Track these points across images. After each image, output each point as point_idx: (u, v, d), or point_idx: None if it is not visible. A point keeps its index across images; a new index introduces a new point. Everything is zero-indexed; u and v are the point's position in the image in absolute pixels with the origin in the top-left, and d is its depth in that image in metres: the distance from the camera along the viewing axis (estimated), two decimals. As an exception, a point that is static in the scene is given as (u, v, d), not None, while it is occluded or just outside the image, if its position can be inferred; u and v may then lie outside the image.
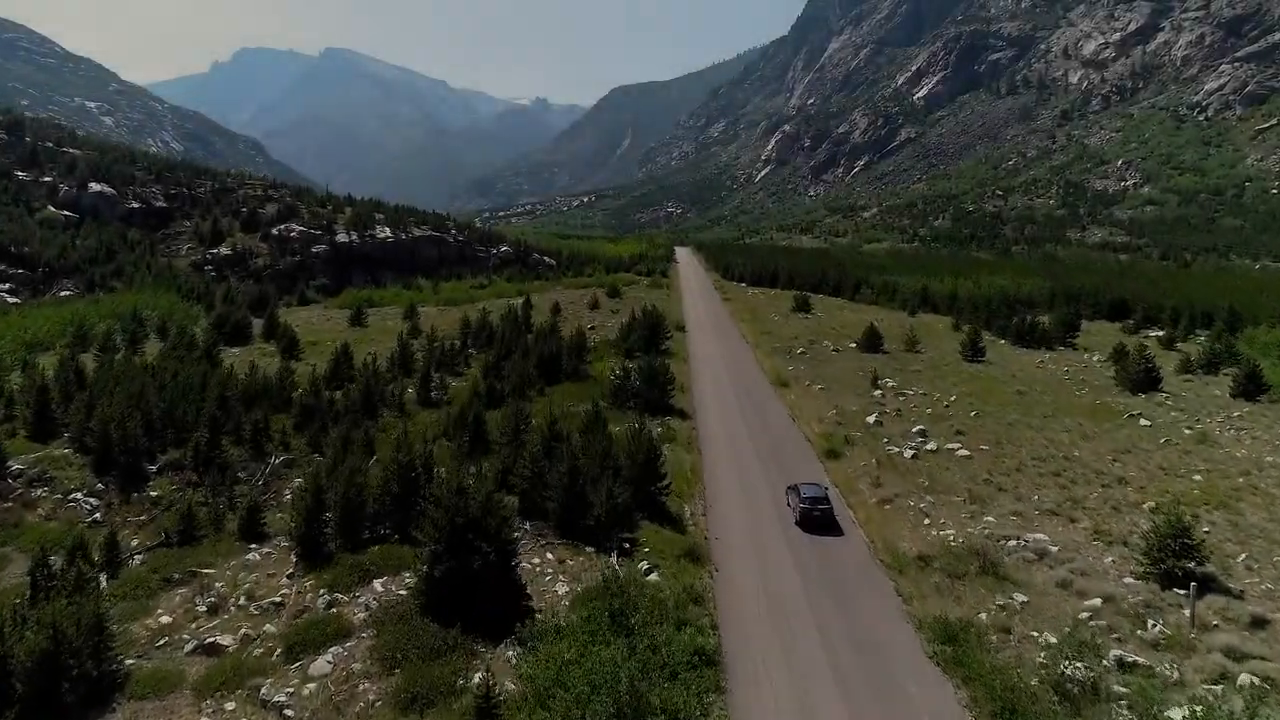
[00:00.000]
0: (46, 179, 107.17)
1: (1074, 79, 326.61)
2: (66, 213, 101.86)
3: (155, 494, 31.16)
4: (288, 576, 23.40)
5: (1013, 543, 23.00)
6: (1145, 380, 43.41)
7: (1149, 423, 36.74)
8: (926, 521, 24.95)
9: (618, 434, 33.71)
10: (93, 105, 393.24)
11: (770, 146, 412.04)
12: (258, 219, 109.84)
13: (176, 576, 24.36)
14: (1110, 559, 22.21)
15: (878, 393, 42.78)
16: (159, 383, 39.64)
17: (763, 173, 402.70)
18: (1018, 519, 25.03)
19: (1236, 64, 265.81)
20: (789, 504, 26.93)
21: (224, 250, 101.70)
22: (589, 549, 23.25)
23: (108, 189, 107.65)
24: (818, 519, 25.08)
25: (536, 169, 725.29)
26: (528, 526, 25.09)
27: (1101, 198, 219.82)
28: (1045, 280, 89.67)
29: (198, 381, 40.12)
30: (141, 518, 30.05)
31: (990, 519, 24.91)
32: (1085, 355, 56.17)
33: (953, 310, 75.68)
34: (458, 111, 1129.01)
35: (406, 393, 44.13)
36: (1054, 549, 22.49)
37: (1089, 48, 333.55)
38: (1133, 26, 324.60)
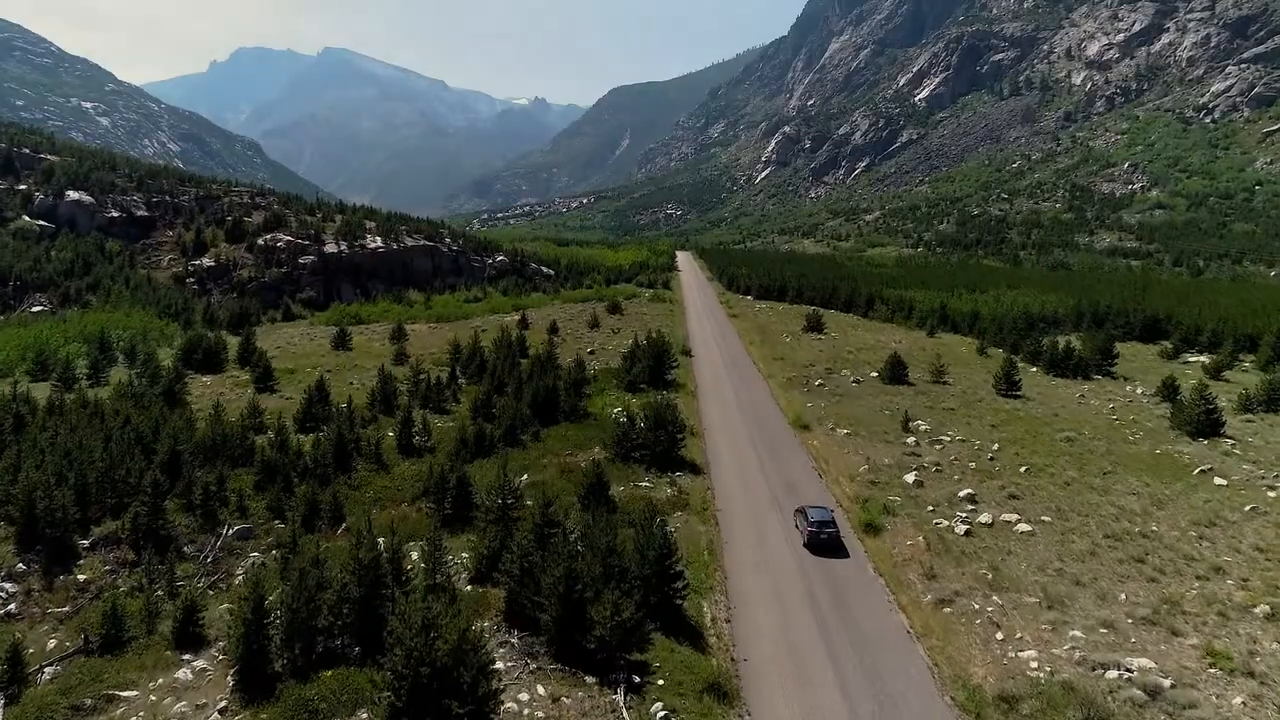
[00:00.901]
0: (21, 187, 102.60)
1: (1077, 80, 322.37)
2: (42, 223, 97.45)
3: (84, 577, 26.78)
4: (219, 711, 19.07)
5: (1113, 674, 18.61)
6: (1206, 424, 39.03)
7: (1224, 481, 32.37)
8: (999, 635, 20.57)
9: (623, 502, 29.42)
10: (89, 105, 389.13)
11: (770, 148, 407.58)
12: (243, 228, 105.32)
13: (89, 703, 20.24)
14: (1239, 699, 17.84)
15: (910, 439, 38.37)
16: (105, 431, 35.24)
17: (763, 174, 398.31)
18: (1109, 632, 20.64)
19: (1243, 65, 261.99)
20: (796, 526, 28.18)
21: (207, 261, 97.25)
22: (589, 679, 18.89)
23: (86, 197, 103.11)
24: (825, 542, 26.42)
25: (535, 169, 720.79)
26: (515, 641, 20.76)
27: (1109, 201, 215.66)
28: (1068, 296, 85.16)
29: (150, 430, 35.72)
30: (65, 608, 25.66)
31: (1077, 633, 20.50)
32: (1128, 387, 51.58)
33: (975, 330, 71.41)
34: (456, 111, 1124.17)
35: (386, 437, 39.75)
36: (1166, 683, 18.13)
37: (1092, 49, 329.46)
38: (1136, 27, 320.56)
